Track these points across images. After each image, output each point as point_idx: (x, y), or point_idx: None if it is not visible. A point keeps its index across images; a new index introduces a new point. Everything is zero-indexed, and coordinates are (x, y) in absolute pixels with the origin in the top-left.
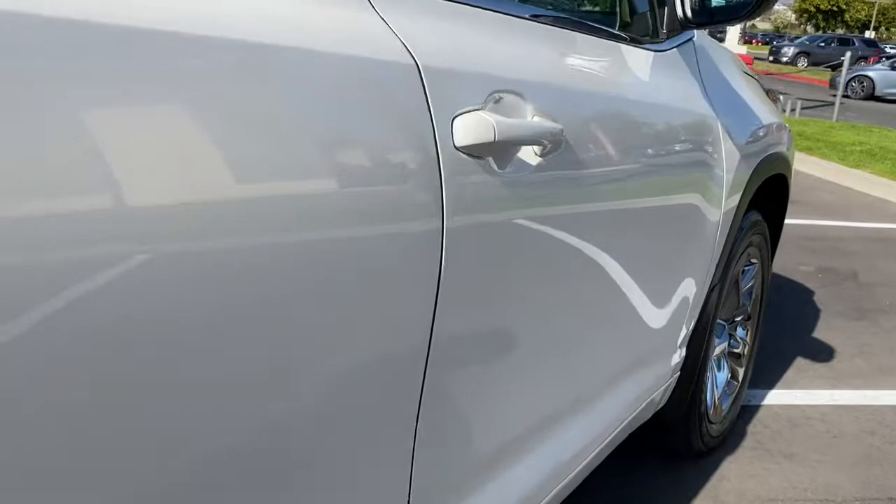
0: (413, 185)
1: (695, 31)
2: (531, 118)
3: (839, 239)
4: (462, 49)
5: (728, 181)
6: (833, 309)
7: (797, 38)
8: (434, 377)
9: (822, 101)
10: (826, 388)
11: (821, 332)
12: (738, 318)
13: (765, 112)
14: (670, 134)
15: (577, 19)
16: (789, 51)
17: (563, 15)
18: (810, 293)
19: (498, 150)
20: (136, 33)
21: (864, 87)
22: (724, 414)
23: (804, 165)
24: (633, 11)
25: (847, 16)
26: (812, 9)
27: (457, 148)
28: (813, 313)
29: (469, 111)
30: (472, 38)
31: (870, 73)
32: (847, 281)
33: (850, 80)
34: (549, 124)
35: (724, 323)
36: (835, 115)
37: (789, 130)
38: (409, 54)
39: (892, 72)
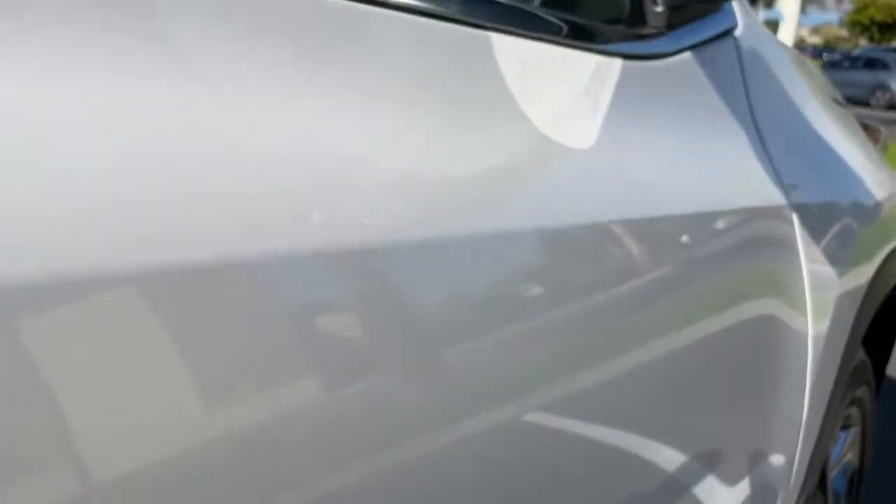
0: None
1: (736, 9)
2: None
3: None
4: None
5: (818, 322)
6: None
7: (850, 51)
8: None
9: (888, 119)
10: None
11: None
12: None
13: (875, 174)
14: (680, 267)
15: None
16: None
17: None
18: None
19: None
20: None
21: None
22: None
23: None
24: None
25: None
26: (866, 21)
27: None
28: None
29: None
30: None
31: None
32: None
33: None
34: None
35: None
36: None
37: None
38: None
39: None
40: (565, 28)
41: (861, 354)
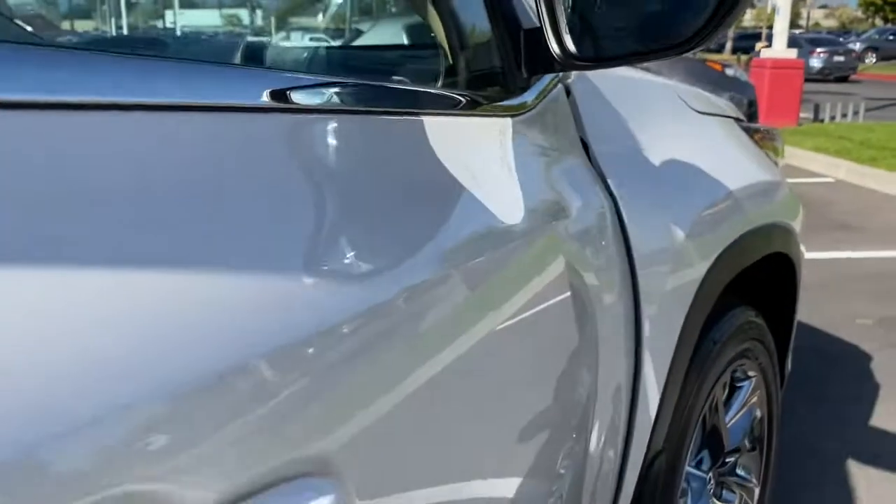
0: None
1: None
2: None
3: None
4: None
5: (649, 289)
6: None
7: (863, 32)
8: None
9: (893, 100)
10: None
11: (884, 419)
12: (732, 459)
13: (735, 170)
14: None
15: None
16: (856, 46)
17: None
18: (866, 359)
19: None
20: None
21: None
22: None
23: (867, 180)
24: (461, 45)
25: None
26: (878, 1)
27: None
28: (868, 393)
29: None
30: None
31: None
32: None
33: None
34: None
35: (703, 474)
36: None
37: (789, 189)
38: None
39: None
40: (462, 99)
41: (746, 315)
